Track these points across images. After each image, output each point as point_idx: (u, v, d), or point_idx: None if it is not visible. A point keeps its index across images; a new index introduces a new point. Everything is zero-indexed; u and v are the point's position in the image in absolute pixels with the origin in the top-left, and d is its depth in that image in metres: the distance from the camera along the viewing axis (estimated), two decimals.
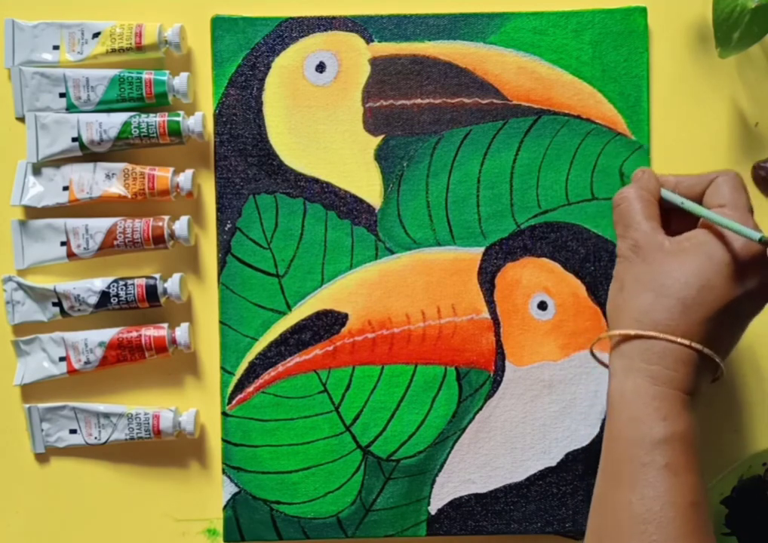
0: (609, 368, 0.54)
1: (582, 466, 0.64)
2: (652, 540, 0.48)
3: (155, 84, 0.63)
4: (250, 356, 0.64)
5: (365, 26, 0.65)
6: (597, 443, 0.64)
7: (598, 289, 0.64)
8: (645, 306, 0.52)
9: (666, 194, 0.57)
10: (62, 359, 0.63)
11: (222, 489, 0.64)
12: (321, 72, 0.64)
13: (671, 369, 0.51)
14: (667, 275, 0.52)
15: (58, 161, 0.64)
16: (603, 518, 0.51)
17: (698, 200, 0.56)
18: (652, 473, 0.49)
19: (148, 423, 0.62)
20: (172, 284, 0.63)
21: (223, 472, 0.64)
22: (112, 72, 0.63)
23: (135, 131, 0.62)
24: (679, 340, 0.51)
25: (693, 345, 0.51)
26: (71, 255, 0.63)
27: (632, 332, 0.52)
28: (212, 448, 0.65)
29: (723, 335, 0.52)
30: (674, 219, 0.57)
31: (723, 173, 0.55)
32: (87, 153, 0.63)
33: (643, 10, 0.65)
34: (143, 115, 0.62)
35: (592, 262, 0.64)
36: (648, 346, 0.51)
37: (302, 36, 0.64)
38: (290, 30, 0.64)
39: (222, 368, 0.64)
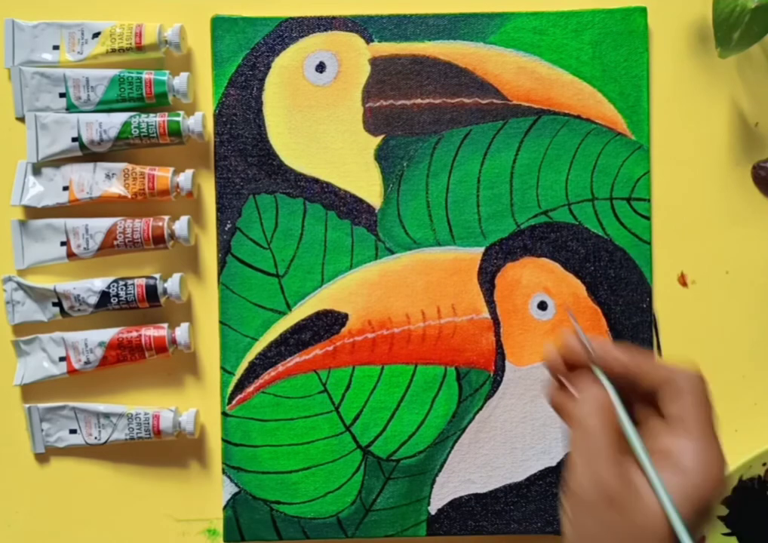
0: None
1: None
2: None
3: (155, 84, 0.63)
4: (250, 356, 0.64)
5: (365, 26, 0.65)
6: None
7: (598, 289, 0.64)
8: None
9: (615, 401, 0.43)
10: (62, 359, 0.63)
11: (222, 489, 0.64)
12: (321, 72, 0.64)
13: None
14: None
15: (58, 161, 0.63)
16: None
17: (651, 391, 0.43)
18: None
19: (148, 423, 0.62)
20: (172, 284, 0.63)
21: (223, 472, 0.64)
22: (112, 72, 0.63)
23: (135, 131, 0.62)
24: None
25: None
26: (71, 255, 0.63)
27: None
28: (212, 448, 0.65)
29: None
30: None
31: (686, 373, 0.43)
32: (87, 153, 0.63)
33: (643, 10, 0.65)
34: (143, 115, 0.62)
35: (592, 262, 0.64)
36: None
37: (302, 36, 0.64)
38: (290, 30, 0.64)
39: (222, 368, 0.64)
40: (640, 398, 0.44)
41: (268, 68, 0.64)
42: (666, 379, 0.43)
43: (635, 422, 0.43)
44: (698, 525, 0.40)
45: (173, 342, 0.63)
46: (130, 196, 0.63)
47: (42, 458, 0.65)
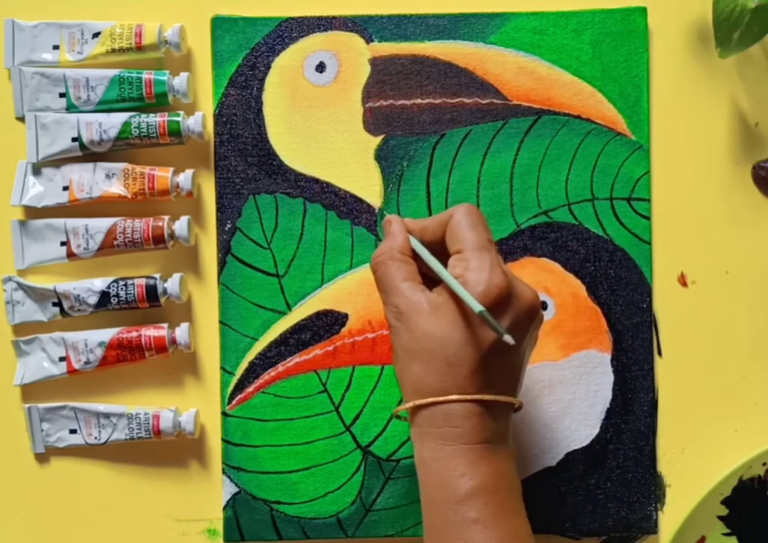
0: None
1: (582, 466, 0.64)
2: None
3: (155, 84, 0.63)
4: (250, 356, 0.64)
5: (365, 26, 0.65)
6: (597, 443, 0.64)
7: (598, 289, 0.64)
8: (418, 375, 0.52)
9: (415, 245, 0.55)
10: (62, 359, 0.63)
11: (222, 489, 0.64)
12: (321, 72, 0.65)
13: (457, 426, 0.51)
14: (427, 338, 0.51)
15: (58, 161, 0.64)
16: None
17: (444, 245, 0.54)
18: (464, 531, 0.50)
19: (148, 423, 0.62)
20: (172, 284, 0.63)
21: (223, 472, 0.64)
22: (112, 72, 0.63)
23: (135, 131, 0.62)
24: (452, 398, 0.51)
25: (470, 397, 0.51)
26: (71, 255, 0.63)
27: (410, 405, 0.52)
28: (212, 448, 0.65)
29: (501, 374, 0.52)
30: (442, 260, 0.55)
31: (456, 210, 0.53)
32: (87, 153, 0.63)
33: (643, 10, 0.65)
34: (143, 115, 0.62)
35: (592, 262, 0.64)
36: (431, 412, 0.51)
37: (302, 36, 0.64)
38: (290, 30, 0.64)
39: (222, 368, 0.64)
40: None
41: (268, 68, 0.64)
42: (444, 222, 0.54)
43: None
44: (498, 316, 0.50)
45: (173, 342, 0.63)
46: (130, 196, 0.63)
47: (42, 458, 0.65)
